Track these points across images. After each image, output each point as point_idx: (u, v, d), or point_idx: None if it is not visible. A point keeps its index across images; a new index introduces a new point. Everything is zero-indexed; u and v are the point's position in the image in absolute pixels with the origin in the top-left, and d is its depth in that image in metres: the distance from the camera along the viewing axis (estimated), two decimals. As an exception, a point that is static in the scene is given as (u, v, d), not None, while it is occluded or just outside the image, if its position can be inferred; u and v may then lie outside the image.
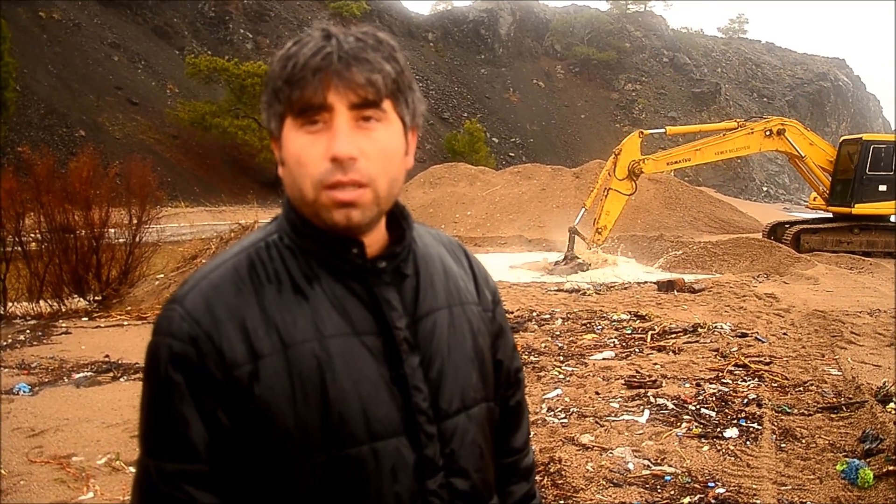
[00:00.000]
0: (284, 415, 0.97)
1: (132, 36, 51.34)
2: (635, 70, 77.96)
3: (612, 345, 7.69)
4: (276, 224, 1.09)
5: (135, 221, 12.07)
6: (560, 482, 4.17)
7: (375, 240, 1.07)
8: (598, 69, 76.98)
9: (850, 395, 5.63)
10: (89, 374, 7.10)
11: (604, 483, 4.12)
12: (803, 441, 4.81)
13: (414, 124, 1.08)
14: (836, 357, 6.92)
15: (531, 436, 1.38)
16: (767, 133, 17.73)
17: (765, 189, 69.43)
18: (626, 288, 12.12)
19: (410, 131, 1.07)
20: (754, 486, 4.06)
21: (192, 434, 0.97)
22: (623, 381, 6.11)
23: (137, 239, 12.14)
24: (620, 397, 5.73)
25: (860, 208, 17.33)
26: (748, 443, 4.73)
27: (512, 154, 64.79)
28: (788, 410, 5.39)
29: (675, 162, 18.44)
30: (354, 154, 0.97)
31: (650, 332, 8.10)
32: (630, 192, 17.43)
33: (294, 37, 1.02)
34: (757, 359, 6.78)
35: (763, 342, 7.56)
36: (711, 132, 19.55)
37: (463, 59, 74.29)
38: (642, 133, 18.08)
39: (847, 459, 4.34)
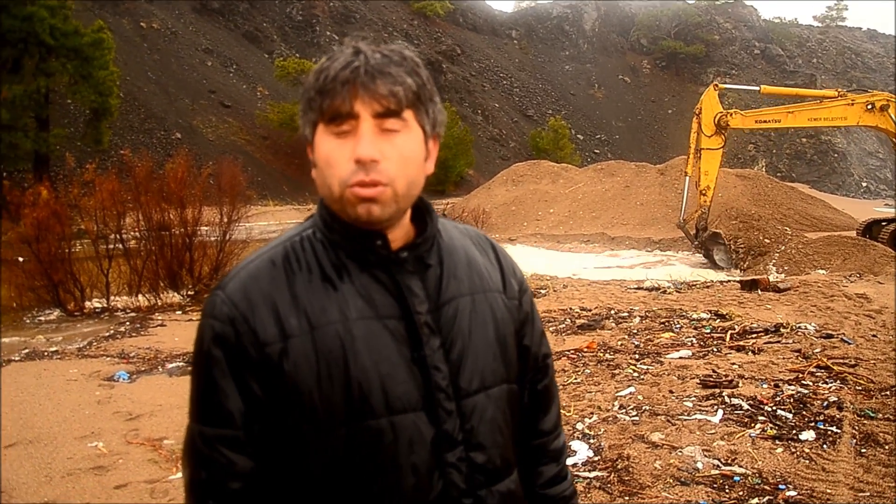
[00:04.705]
0: (310, 389, 1.09)
1: (224, 41, 53.41)
2: (725, 63, 75.44)
3: (689, 344, 7.57)
4: (312, 221, 1.22)
5: (226, 220, 12.64)
6: (627, 479, 4.19)
7: (401, 234, 1.17)
8: (685, 63, 74.98)
9: (942, 401, 5.38)
10: (181, 364, 7.52)
11: (671, 481, 4.11)
12: (886, 447, 4.63)
13: (435, 133, 1.18)
14: (930, 361, 6.61)
15: (561, 419, 1.45)
16: (869, 107, 16.73)
17: (864, 185, 65.93)
18: (707, 286, 11.85)
19: (431, 139, 1.17)
20: (828, 491, 3.96)
21: (230, 404, 1.10)
22: (698, 381, 6.02)
23: (228, 236, 12.71)
24: (694, 396, 5.66)
25: None
26: (825, 446, 4.60)
27: (597, 151, 63.93)
28: (872, 415, 5.19)
29: (764, 121, 17.98)
30: (376, 157, 1.07)
31: (730, 332, 7.92)
32: (721, 146, 17.33)
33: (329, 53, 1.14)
34: (841, 361, 6.54)
35: (849, 344, 7.28)
36: (809, 97, 18.84)
37: (547, 55, 73.78)
38: (717, 85, 17.92)
39: (932, 466, 4.18)
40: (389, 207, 1.10)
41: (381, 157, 1.08)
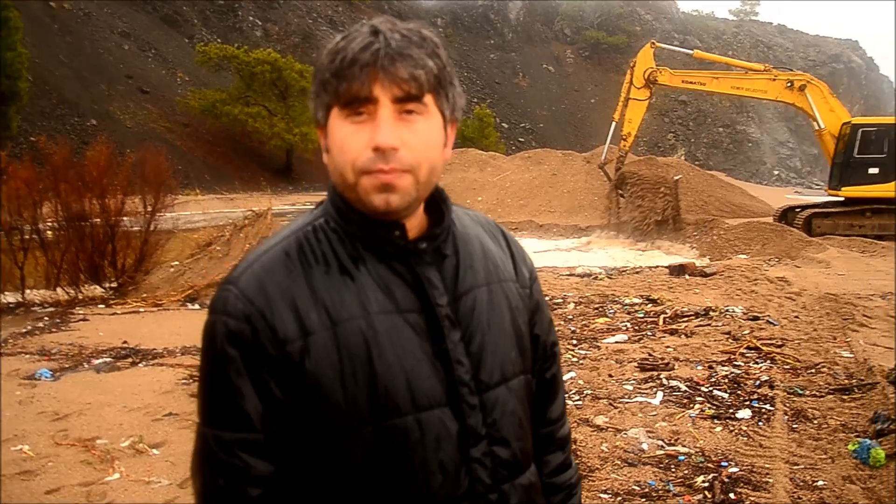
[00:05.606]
0: (334, 388, 1.03)
1: (142, 25, 51.39)
2: (645, 54, 77.40)
3: (624, 328, 7.74)
4: (323, 209, 1.15)
5: (149, 209, 12.15)
6: (576, 462, 4.24)
7: (416, 223, 1.12)
8: (608, 53, 76.52)
9: (862, 377, 5.67)
10: (108, 359, 7.21)
11: (619, 463, 4.20)
12: (815, 422, 4.87)
13: (453, 118, 1.13)
14: (848, 339, 6.95)
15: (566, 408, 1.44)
16: (789, 84, 17.96)
17: (776, 173, 68.94)
18: (637, 272, 12.15)
19: (450, 124, 1.12)
20: (767, 466, 4.13)
21: (247, 405, 1.03)
22: (636, 364, 6.17)
23: (152, 227, 12.21)
24: (634, 380, 5.79)
25: (846, 191, 17.33)
26: (761, 423, 4.79)
27: (522, 139, 64.61)
28: (800, 392, 5.44)
29: (690, 82, 19.43)
30: (396, 144, 1.02)
31: (662, 316, 8.14)
32: (647, 99, 18.94)
33: (343, 32, 1.08)
34: (769, 341, 6.82)
35: (775, 325, 7.60)
36: (738, 68, 20.19)
37: (472, 44, 73.98)
38: (654, 43, 19.40)
39: (859, 440, 4.39)
40: (409, 196, 1.05)
41: (400, 144, 1.03)
